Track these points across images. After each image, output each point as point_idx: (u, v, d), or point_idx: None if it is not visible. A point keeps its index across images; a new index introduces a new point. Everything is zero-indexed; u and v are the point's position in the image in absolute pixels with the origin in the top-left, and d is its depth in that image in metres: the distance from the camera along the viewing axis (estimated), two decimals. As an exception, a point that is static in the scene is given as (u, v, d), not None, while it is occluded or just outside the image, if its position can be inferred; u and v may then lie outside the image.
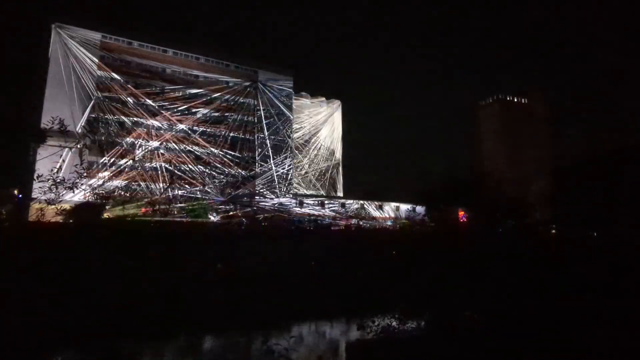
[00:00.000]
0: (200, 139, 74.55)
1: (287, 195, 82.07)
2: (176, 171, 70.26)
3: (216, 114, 77.51)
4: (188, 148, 72.74)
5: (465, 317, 19.91)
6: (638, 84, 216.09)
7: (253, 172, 79.27)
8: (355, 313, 27.64)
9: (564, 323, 20.14)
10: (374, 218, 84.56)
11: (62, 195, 13.01)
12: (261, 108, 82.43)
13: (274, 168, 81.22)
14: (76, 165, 15.19)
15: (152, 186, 67.20)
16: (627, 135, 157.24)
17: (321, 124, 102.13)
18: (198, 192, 70.58)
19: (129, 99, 69.17)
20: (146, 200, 63.27)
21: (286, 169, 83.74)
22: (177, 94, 74.61)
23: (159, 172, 68.86)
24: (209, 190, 72.09)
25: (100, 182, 63.42)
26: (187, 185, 70.40)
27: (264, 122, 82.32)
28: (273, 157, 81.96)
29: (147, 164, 68.57)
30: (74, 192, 14.24)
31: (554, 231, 58.59)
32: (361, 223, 75.99)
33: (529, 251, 25.00)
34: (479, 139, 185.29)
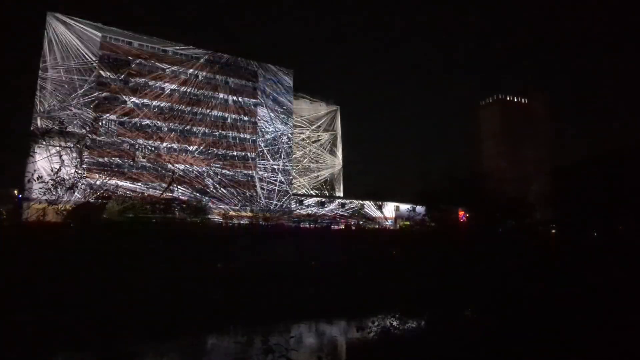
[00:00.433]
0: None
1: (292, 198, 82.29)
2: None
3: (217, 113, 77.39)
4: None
5: (465, 317, 19.89)
6: (638, 84, 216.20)
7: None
8: (355, 313, 27.66)
9: (564, 323, 20.12)
10: (374, 218, 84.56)
11: (62, 195, 12.99)
12: (264, 102, 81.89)
13: (279, 168, 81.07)
14: (76, 165, 15.17)
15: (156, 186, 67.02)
16: (627, 135, 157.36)
17: (321, 124, 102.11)
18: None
19: (129, 99, 69.06)
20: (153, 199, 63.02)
21: (286, 166, 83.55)
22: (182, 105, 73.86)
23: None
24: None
25: (100, 182, 63.36)
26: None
27: (263, 123, 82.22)
28: (273, 158, 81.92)
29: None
30: (73, 192, 14.23)
31: (554, 231, 58.65)
32: (361, 223, 76.02)
33: (529, 251, 24.99)
34: (479, 138, 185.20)
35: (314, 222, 74.10)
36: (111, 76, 68.39)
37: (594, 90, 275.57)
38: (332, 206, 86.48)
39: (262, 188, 78.92)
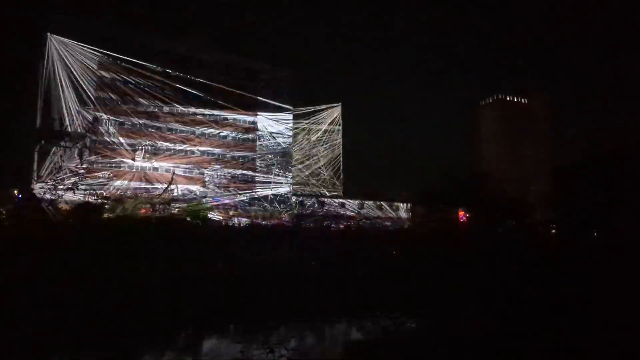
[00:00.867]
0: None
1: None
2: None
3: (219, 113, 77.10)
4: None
5: (465, 317, 19.94)
6: (638, 84, 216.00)
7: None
8: (355, 313, 27.65)
9: (564, 322, 20.14)
10: (374, 218, 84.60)
11: (62, 196, 13.01)
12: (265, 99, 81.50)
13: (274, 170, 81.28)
14: (76, 165, 15.18)
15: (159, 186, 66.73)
16: (627, 135, 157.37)
17: (321, 123, 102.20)
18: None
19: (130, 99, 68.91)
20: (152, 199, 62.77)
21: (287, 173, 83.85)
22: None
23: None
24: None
25: (100, 182, 63.33)
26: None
27: (264, 122, 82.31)
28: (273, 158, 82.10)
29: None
30: (74, 192, 14.24)
31: (554, 231, 58.65)
32: (361, 223, 76.09)
33: (529, 251, 25.05)
34: (479, 139, 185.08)
35: (314, 222, 74.16)
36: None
37: (594, 90, 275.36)
38: (332, 206, 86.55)
39: (262, 191, 79.12)
